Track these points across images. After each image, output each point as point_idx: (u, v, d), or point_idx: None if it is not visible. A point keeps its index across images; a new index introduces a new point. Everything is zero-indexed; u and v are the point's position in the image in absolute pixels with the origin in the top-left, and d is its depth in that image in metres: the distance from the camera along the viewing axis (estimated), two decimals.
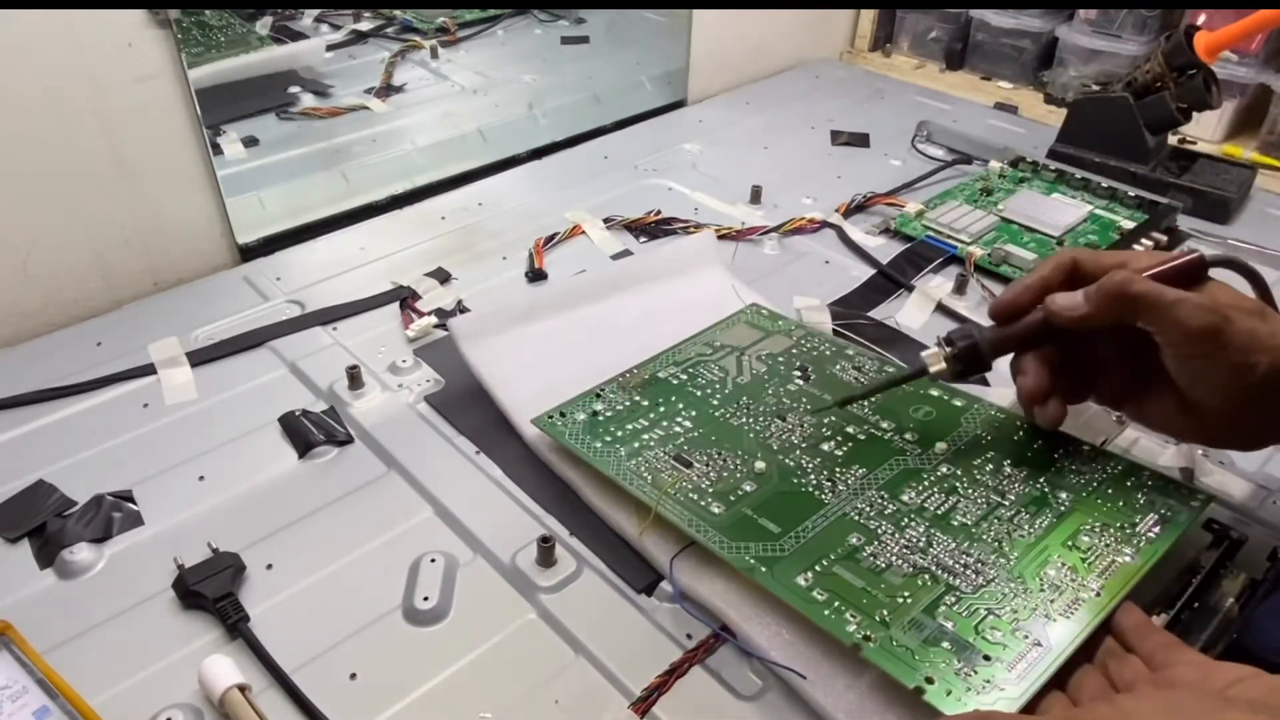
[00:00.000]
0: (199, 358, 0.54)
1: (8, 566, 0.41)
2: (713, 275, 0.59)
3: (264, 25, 0.89)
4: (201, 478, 0.46)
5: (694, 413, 0.47)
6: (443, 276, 0.61)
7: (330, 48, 0.91)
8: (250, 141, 0.75)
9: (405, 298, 0.59)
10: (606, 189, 0.73)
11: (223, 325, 0.57)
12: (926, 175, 0.76)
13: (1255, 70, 0.83)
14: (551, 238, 0.65)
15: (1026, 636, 0.34)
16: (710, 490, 0.42)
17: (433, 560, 0.41)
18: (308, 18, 0.93)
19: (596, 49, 0.99)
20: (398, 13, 0.97)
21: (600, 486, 0.44)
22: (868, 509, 0.40)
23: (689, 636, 0.38)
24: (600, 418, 0.46)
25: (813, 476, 0.42)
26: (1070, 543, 0.38)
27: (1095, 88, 0.79)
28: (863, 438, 0.45)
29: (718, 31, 0.90)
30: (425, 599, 0.39)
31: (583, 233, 0.67)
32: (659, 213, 0.68)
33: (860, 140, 0.83)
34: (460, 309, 0.58)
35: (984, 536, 0.39)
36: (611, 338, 0.53)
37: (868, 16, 1.05)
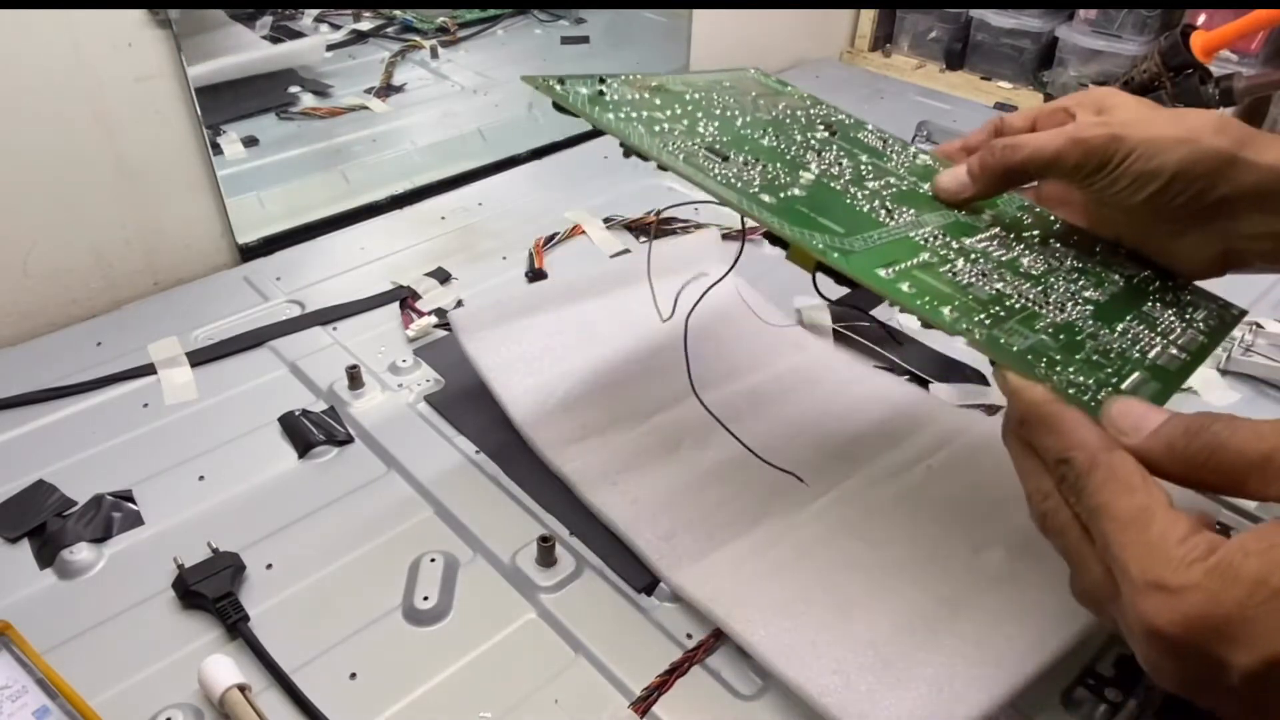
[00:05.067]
0: (199, 358, 0.54)
1: (8, 566, 0.41)
2: (715, 272, 0.58)
3: (263, 25, 0.88)
4: (201, 478, 0.46)
5: (716, 125, 0.39)
6: (443, 276, 0.61)
7: (330, 47, 0.91)
8: (250, 141, 0.75)
9: (405, 298, 0.59)
10: (606, 189, 0.73)
11: (223, 325, 0.57)
12: None
13: (1255, 70, 0.83)
14: (551, 238, 0.65)
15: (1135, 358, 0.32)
16: (757, 183, 0.35)
17: (433, 560, 0.41)
18: (307, 18, 0.93)
19: (596, 49, 0.99)
20: (398, 13, 0.96)
21: (597, 483, 0.44)
22: (932, 239, 0.36)
23: (689, 636, 0.38)
24: (608, 99, 0.39)
25: (864, 203, 0.37)
26: (1136, 311, 0.36)
27: (1092, 87, 0.79)
28: (905, 187, 0.40)
29: (718, 31, 0.90)
30: (425, 599, 0.39)
31: (583, 233, 0.67)
32: (659, 213, 0.68)
33: None
34: None
35: (1056, 285, 0.35)
36: (613, 331, 0.53)
37: (868, 16, 1.05)
